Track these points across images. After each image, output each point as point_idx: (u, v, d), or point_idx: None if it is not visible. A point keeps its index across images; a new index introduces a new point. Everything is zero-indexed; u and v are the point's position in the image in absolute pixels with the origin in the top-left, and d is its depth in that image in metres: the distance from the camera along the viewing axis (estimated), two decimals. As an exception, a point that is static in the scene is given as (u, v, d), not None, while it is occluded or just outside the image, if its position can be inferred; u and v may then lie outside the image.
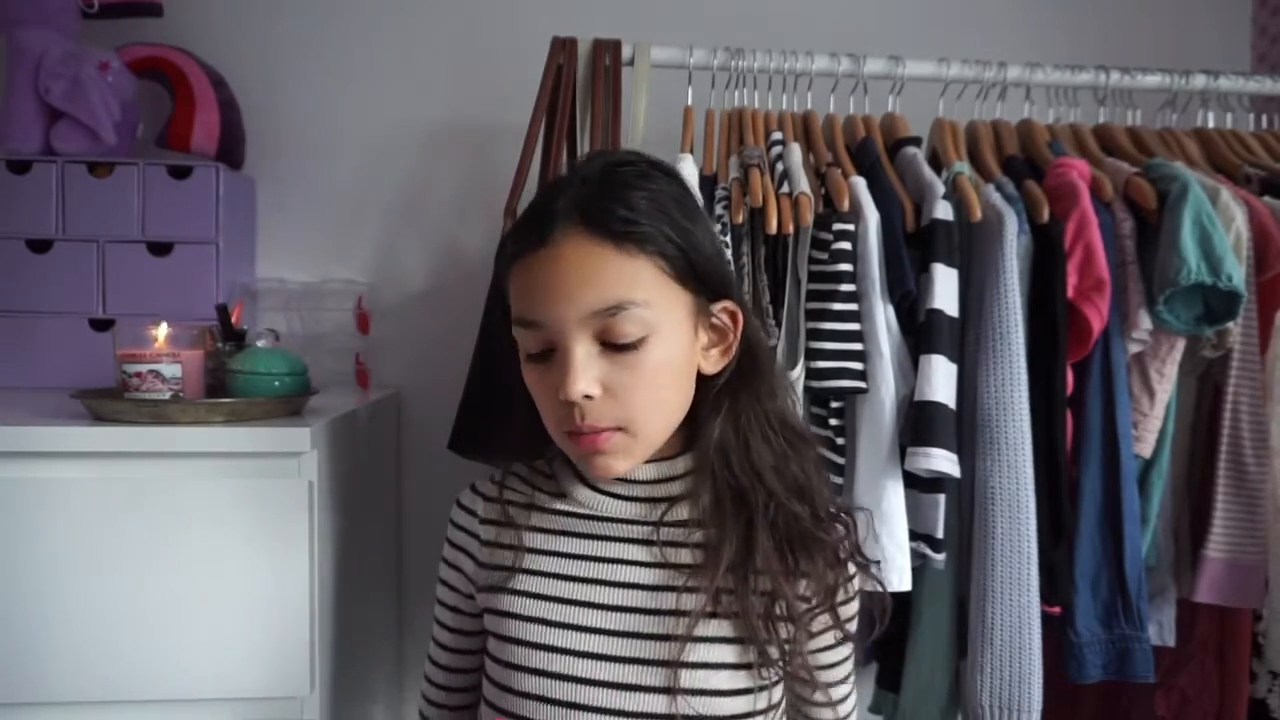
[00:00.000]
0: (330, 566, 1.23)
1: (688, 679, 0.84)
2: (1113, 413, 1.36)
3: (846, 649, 0.95)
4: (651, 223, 0.81)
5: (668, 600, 0.86)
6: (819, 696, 0.94)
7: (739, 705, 0.85)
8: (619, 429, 0.82)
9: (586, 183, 0.83)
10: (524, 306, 0.82)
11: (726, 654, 0.85)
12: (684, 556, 0.88)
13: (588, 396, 0.80)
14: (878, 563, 1.21)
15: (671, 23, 1.85)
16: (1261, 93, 1.66)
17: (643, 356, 0.81)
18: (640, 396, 0.82)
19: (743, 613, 0.85)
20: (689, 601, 0.85)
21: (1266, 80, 1.66)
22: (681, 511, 0.89)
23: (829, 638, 0.92)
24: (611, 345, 0.80)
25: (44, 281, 1.54)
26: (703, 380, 0.89)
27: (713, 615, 0.85)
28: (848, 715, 0.98)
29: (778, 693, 0.90)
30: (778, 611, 0.86)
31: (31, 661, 1.11)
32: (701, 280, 0.85)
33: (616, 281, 0.79)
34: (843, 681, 0.97)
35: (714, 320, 0.88)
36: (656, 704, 0.84)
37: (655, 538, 0.89)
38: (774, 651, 0.85)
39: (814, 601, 0.88)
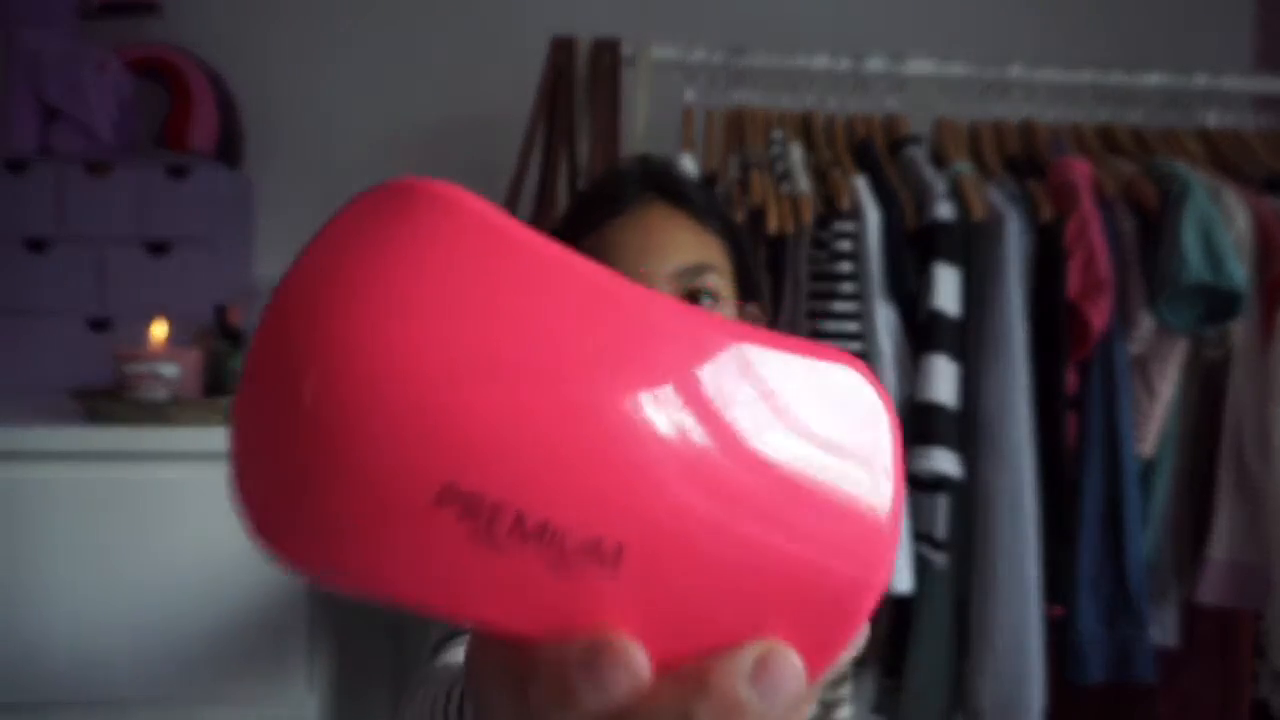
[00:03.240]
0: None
1: None
2: (1114, 413, 1.36)
3: None
4: (716, 206, 0.85)
5: None
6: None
7: None
8: None
9: (647, 168, 0.85)
10: (605, 265, 0.81)
11: None
12: None
13: None
14: None
15: (671, 22, 1.85)
16: (1263, 92, 1.65)
17: None
18: None
19: None
20: None
21: (1268, 79, 1.66)
22: None
23: None
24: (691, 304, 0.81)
25: (42, 281, 1.53)
26: None
27: None
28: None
29: None
30: None
31: (31, 661, 1.10)
32: (745, 274, 0.87)
33: (698, 246, 0.81)
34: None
35: (743, 319, 0.89)
36: None
37: None
38: None
39: None
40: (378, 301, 0.19)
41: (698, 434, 0.20)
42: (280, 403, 0.19)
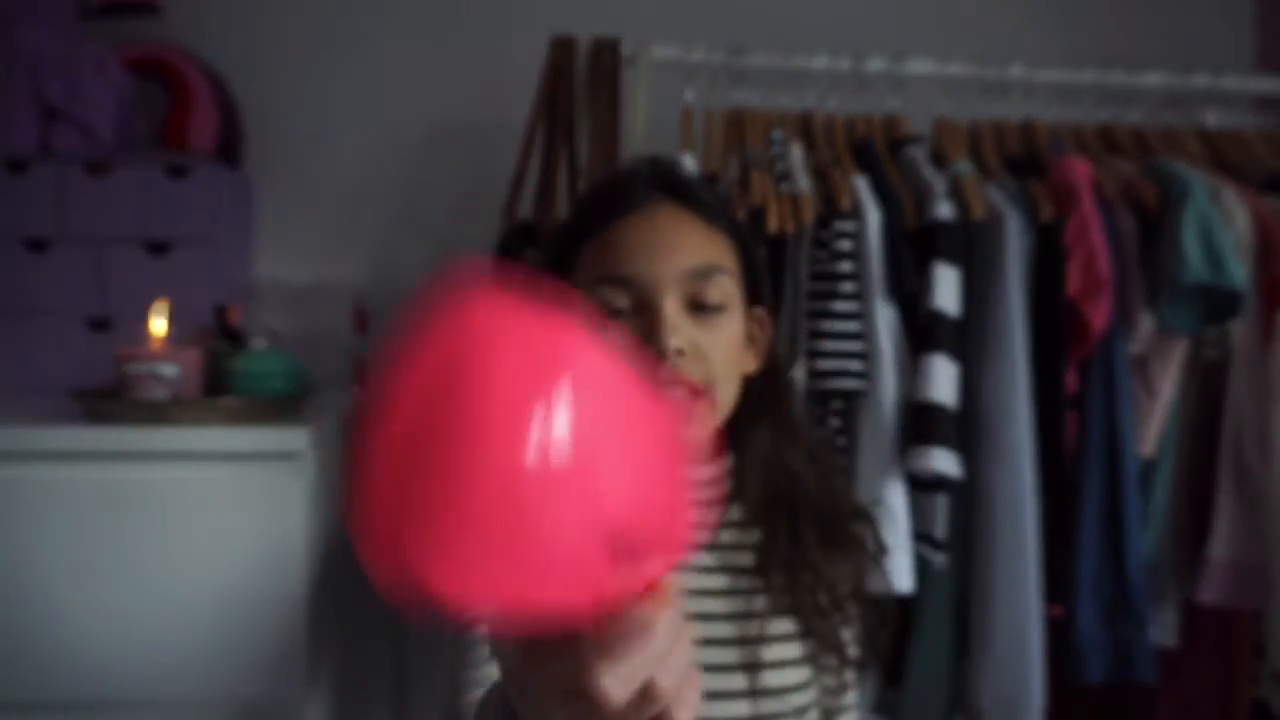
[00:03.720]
0: (328, 567, 1.22)
1: (768, 679, 0.83)
2: (1114, 412, 1.36)
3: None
4: (724, 208, 0.84)
5: (738, 603, 0.86)
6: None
7: (806, 698, 0.86)
8: (701, 389, 0.81)
9: (656, 169, 0.84)
10: (613, 264, 0.81)
11: (795, 649, 0.86)
12: (744, 558, 0.88)
13: (679, 352, 0.80)
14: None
15: (671, 22, 1.85)
16: (1263, 92, 1.65)
17: (725, 322, 0.81)
18: (722, 358, 0.82)
19: (801, 608, 0.85)
20: (759, 602, 0.85)
21: (1268, 79, 1.66)
22: (735, 513, 0.90)
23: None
24: (699, 307, 0.81)
25: (41, 281, 1.53)
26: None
27: (777, 613, 0.86)
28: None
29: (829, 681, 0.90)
30: (824, 602, 0.86)
31: (31, 661, 1.10)
32: (753, 278, 0.86)
33: (707, 247, 0.81)
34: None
35: (750, 324, 0.88)
36: (740, 709, 0.83)
37: (717, 541, 0.89)
38: (832, 639, 0.86)
39: (850, 590, 0.89)
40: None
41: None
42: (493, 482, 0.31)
